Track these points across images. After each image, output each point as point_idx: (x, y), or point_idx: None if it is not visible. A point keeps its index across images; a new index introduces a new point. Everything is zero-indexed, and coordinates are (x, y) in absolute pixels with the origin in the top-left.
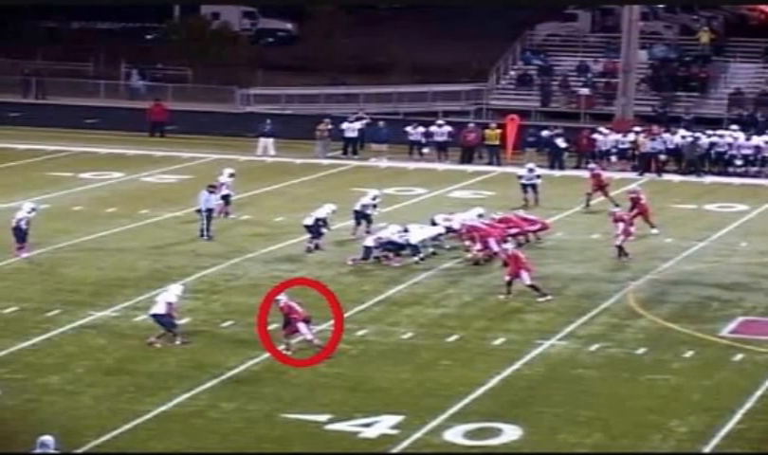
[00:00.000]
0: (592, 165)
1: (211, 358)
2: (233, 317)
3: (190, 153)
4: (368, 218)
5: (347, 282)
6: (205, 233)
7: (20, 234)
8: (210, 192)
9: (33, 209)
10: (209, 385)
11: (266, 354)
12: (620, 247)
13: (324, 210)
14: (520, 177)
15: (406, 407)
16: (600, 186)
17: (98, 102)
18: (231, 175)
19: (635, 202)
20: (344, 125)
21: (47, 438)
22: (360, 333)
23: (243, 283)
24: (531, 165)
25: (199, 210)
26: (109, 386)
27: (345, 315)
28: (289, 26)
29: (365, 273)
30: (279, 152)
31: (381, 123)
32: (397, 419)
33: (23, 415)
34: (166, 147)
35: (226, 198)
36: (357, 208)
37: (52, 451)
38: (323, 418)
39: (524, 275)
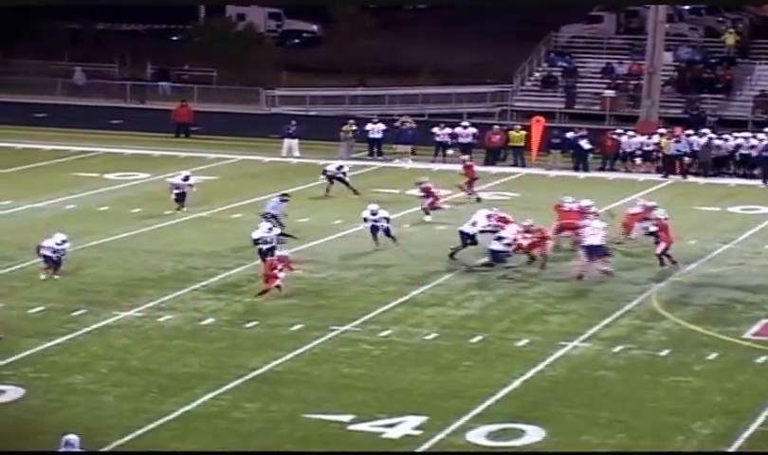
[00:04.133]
0: (465, 157)
1: (234, 359)
2: (256, 317)
3: (215, 154)
4: (388, 231)
5: (370, 283)
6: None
7: (49, 261)
8: (283, 201)
9: (64, 242)
10: (231, 385)
11: (289, 355)
12: (662, 256)
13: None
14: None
15: (429, 407)
16: (472, 178)
17: (123, 103)
18: (186, 178)
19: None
20: (368, 126)
21: (72, 437)
22: (383, 333)
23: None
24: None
25: (265, 215)
26: (133, 386)
27: (369, 316)
28: (314, 27)
29: (388, 274)
30: (303, 153)
31: (406, 124)
32: (420, 420)
33: (47, 414)
34: (191, 148)
35: (181, 196)
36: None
37: (77, 450)
38: (346, 418)
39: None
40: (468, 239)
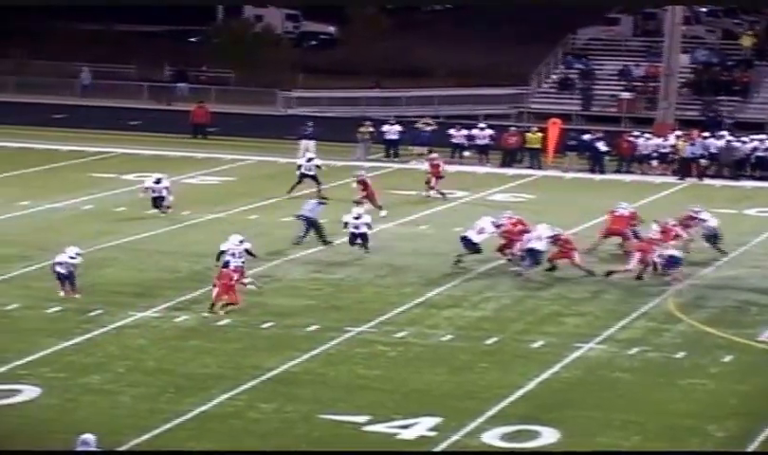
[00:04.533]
0: (433, 155)
1: (250, 359)
2: (272, 318)
3: (231, 155)
4: (364, 237)
5: (386, 284)
6: (301, 240)
7: (61, 278)
8: (321, 204)
9: (78, 255)
10: (247, 386)
11: (305, 356)
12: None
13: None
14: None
15: (444, 409)
16: (437, 176)
17: (140, 104)
18: (158, 181)
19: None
20: (385, 128)
21: (88, 436)
22: (399, 335)
23: (283, 285)
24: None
25: (299, 216)
26: (149, 386)
27: (385, 317)
28: (331, 29)
29: (404, 275)
30: (320, 154)
31: (421, 126)
32: (435, 421)
33: (64, 414)
34: (208, 149)
35: (160, 200)
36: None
37: (93, 449)
38: (362, 419)
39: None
40: (472, 246)
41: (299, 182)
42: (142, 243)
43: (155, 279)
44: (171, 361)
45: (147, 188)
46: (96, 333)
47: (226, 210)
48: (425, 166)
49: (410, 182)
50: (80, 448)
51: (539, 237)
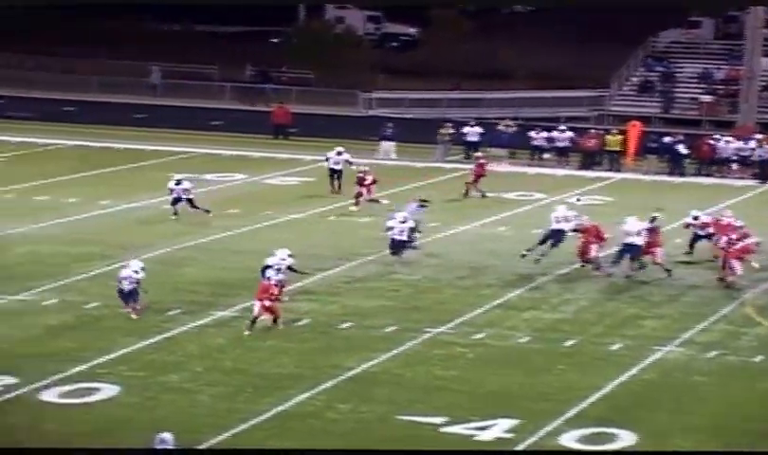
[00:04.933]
0: (478, 154)
1: (328, 359)
2: (351, 319)
3: (312, 155)
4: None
5: (464, 285)
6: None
7: (124, 296)
8: (421, 206)
9: (142, 269)
10: (325, 386)
11: (383, 356)
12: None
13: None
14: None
15: (521, 410)
16: (480, 175)
17: (222, 104)
18: (178, 182)
19: None
20: (465, 129)
21: (166, 435)
22: (477, 336)
23: (362, 286)
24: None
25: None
26: (227, 385)
27: (463, 318)
28: (412, 30)
29: (483, 277)
30: (400, 155)
31: (503, 127)
32: (513, 423)
33: (142, 412)
34: (289, 150)
35: (184, 202)
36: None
37: (171, 447)
38: (439, 420)
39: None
40: (558, 236)
41: (335, 179)
42: (221, 242)
43: (234, 278)
44: (248, 361)
45: (170, 189)
46: (175, 332)
47: (305, 211)
48: (503, 168)
49: (490, 184)
50: (158, 447)
51: (636, 232)
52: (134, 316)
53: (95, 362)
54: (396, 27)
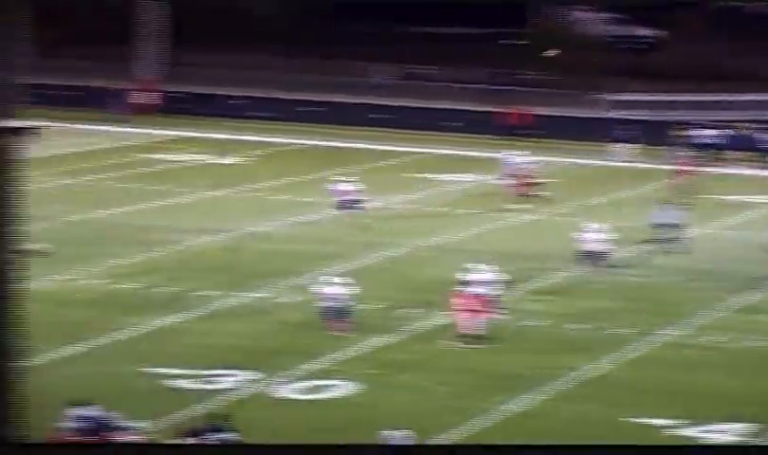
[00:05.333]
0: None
1: (555, 360)
2: (578, 320)
3: (548, 158)
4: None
5: (697, 287)
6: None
7: (329, 314)
8: (679, 208)
9: (350, 283)
10: (552, 386)
11: (608, 358)
12: None
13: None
14: None
15: (755, 415)
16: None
17: (458, 106)
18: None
19: None
20: (701, 132)
21: (398, 433)
22: (712, 338)
23: (589, 288)
24: None
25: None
26: (458, 385)
27: (696, 320)
28: (649, 33)
29: (717, 279)
30: (634, 157)
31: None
32: (746, 427)
33: (375, 409)
34: (527, 150)
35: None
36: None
37: (401, 443)
38: (670, 423)
39: None
40: None
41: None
42: (461, 243)
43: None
44: (477, 360)
45: (336, 190)
46: (408, 331)
47: (541, 214)
48: (742, 170)
49: (726, 187)
50: (396, 443)
51: None
52: (334, 332)
53: (329, 359)
54: (632, 30)
